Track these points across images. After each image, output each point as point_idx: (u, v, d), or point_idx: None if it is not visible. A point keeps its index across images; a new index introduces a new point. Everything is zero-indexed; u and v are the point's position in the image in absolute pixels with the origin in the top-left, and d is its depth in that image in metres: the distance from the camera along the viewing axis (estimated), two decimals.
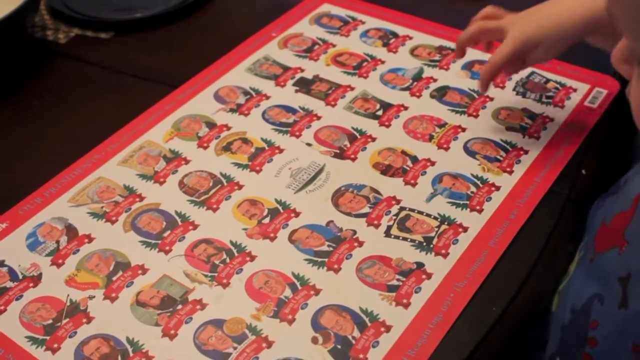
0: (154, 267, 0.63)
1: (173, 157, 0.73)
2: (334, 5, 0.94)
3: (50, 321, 0.60)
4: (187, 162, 0.73)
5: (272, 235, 0.65)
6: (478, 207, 0.67)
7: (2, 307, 0.61)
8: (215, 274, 0.62)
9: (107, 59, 0.88)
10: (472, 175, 0.69)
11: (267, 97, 0.80)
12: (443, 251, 0.63)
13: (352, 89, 0.81)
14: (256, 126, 0.76)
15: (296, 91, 0.81)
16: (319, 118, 0.77)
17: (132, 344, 0.58)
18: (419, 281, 0.61)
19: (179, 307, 0.60)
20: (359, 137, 0.74)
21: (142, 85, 0.84)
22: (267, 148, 0.74)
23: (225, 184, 0.70)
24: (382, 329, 0.58)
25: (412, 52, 0.85)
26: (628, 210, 0.55)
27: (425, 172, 0.70)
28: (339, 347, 0.56)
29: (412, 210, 0.66)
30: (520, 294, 0.61)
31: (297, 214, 0.67)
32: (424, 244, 0.64)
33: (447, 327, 0.57)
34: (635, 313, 0.51)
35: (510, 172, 0.70)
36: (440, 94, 0.79)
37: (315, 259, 0.63)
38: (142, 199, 0.69)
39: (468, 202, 0.67)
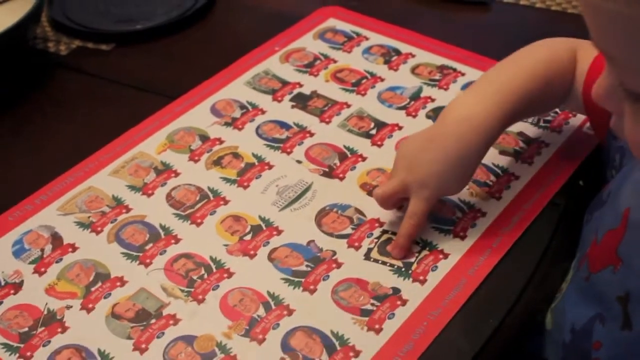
0: (132, 279, 0.64)
1: (164, 170, 0.74)
2: (340, 21, 0.93)
3: (26, 329, 0.61)
4: (176, 175, 0.73)
5: (252, 252, 0.65)
6: (462, 234, 0.66)
7: None
8: (192, 290, 0.63)
9: (107, 70, 0.89)
10: (459, 199, 0.69)
11: (263, 112, 0.80)
12: (421, 277, 0.62)
13: (349, 106, 0.80)
14: (249, 141, 0.77)
15: (292, 107, 0.81)
16: (312, 135, 0.77)
17: (103, 356, 0.58)
18: (394, 307, 0.60)
19: (153, 321, 0.60)
20: (349, 156, 0.74)
21: (143, 96, 0.84)
22: (257, 164, 0.74)
23: (212, 198, 0.71)
24: (351, 354, 0.57)
25: (413, 70, 0.85)
26: (618, 228, 0.54)
27: None
28: None
29: (394, 233, 0.66)
30: (517, 305, 0.61)
31: (279, 232, 0.67)
32: (403, 269, 0.63)
33: (416, 355, 0.57)
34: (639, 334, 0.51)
35: (499, 198, 0.69)
36: (437, 114, 0.78)
37: (292, 278, 0.63)
38: (128, 210, 0.70)
39: (452, 228, 0.66)
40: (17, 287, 0.64)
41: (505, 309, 0.60)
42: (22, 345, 0.59)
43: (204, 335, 0.59)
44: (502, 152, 0.73)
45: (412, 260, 0.64)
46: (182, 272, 0.64)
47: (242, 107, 0.81)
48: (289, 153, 0.75)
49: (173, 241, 0.67)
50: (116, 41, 0.93)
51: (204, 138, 0.77)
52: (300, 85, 0.84)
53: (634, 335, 0.52)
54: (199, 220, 0.69)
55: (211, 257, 0.65)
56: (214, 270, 0.64)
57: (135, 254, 0.66)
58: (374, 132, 0.77)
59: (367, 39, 0.90)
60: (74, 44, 0.93)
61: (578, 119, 0.76)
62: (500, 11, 0.96)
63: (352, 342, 0.58)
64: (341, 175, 0.72)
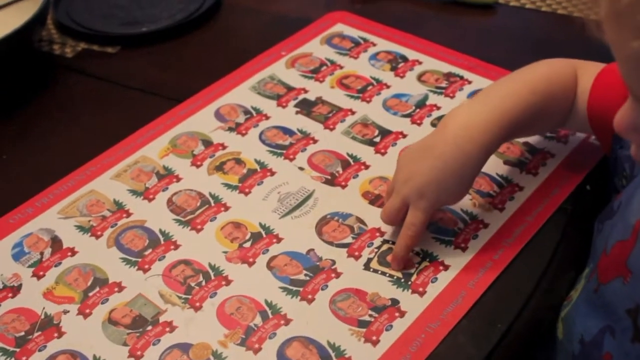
0: (130, 285, 0.64)
1: (166, 174, 0.74)
2: (348, 26, 0.93)
3: (22, 333, 0.60)
4: (178, 180, 0.73)
5: (251, 260, 0.65)
6: (463, 245, 0.65)
7: None
8: (189, 297, 0.62)
9: (113, 73, 0.89)
10: (461, 210, 0.68)
11: (267, 118, 0.80)
12: (420, 289, 0.62)
13: (353, 113, 0.80)
14: (251, 147, 0.76)
15: (297, 112, 0.80)
16: (315, 142, 0.76)
17: None
18: (392, 319, 0.60)
19: (149, 327, 0.60)
20: (352, 163, 0.73)
21: (148, 99, 0.84)
22: (259, 170, 0.73)
23: (213, 204, 0.70)
24: None
25: (420, 77, 0.84)
26: (629, 239, 0.53)
27: None
28: None
29: (395, 243, 0.65)
30: (525, 311, 0.60)
31: (279, 240, 0.66)
32: (402, 280, 0.62)
33: None
34: None
35: (502, 210, 0.68)
36: None
37: (290, 287, 0.62)
38: (129, 215, 0.70)
39: (453, 239, 0.65)
40: (16, 290, 0.64)
41: (513, 314, 0.60)
42: (17, 350, 0.59)
43: (200, 343, 0.59)
44: (507, 162, 0.72)
45: (412, 271, 0.63)
46: (181, 279, 0.64)
47: (247, 112, 0.81)
48: (291, 160, 0.74)
49: (172, 247, 0.67)
50: (122, 44, 0.93)
51: (207, 143, 0.77)
52: (306, 91, 0.83)
53: None
54: (199, 227, 0.68)
55: (210, 264, 0.65)
56: (212, 277, 0.64)
57: (134, 259, 0.66)
58: (378, 139, 0.76)
59: (374, 44, 0.90)
60: (80, 46, 0.93)
61: None
62: (506, 15, 0.96)
63: (349, 354, 0.57)
64: (343, 184, 0.72)
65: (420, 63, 0.86)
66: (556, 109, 0.66)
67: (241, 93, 0.83)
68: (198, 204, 0.70)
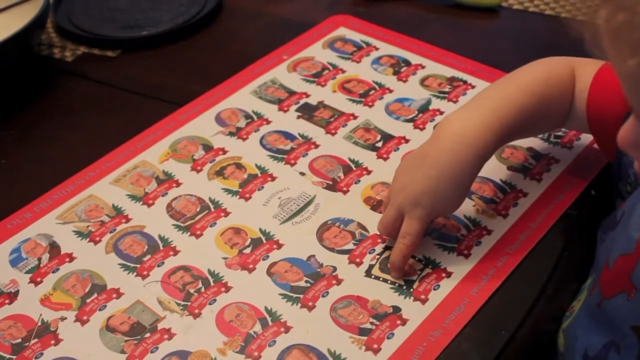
0: (129, 291, 0.63)
1: (165, 179, 0.73)
2: (350, 29, 0.92)
3: (19, 340, 0.60)
4: (178, 185, 0.72)
5: (251, 266, 0.64)
6: (465, 252, 0.64)
7: None
8: (188, 303, 0.61)
9: (113, 76, 0.88)
10: (464, 216, 0.67)
11: (268, 122, 0.79)
12: (422, 296, 0.61)
13: (355, 117, 0.79)
14: (252, 151, 0.75)
15: (298, 117, 0.79)
16: (316, 146, 0.76)
17: None
18: (393, 326, 0.59)
19: (147, 335, 0.59)
20: (354, 168, 0.73)
21: (149, 103, 0.84)
22: (259, 175, 0.73)
23: (212, 209, 0.69)
24: None
25: (423, 82, 0.83)
26: (632, 253, 0.52)
27: None
28: None
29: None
30: (529, 317, 0.59)
31: (280, 246, 0.66)
32: (404, 287, 0.62)
33: None
34: None
35: (505, 216, 0.67)
36: None
37: (291, 294, 0.62)
38: (128, 220, 0.69)
39: (456, 246, 0.64)
40: (12, 296, 0.63)
41: (516, 322, 0.59)
42: (14, 357, 0.58)
43: (199, 351, 0.58)
44: (510, 168, 0.71)
45: (414, 278, 0.62)
46: (179, 285, 0.63)
47: (248, 116, 0.80)
48: (292, 165, 0.74)
49: (171, 253, 0.66)
50: (122, 47, 0.92)
51: (208, 148, 0.76)
52: (307, 95, 0.82)
53: None
54: (198, 232, 0.67)
55: (209, 270, 0.64)
56: (212, 283, 0.63)
57: (132, 265, 0.65)
58: (380, 144, 0.75)
59: (376, 48, 0.89)
60: (80, 50, 0.93)
61: (589, 135, 0.74)
62: (509, 18, 0.95)
63: None
64: (345, 189, 0.71)
65: (423, 67, 0.85)
66: (553, 110, 0.65)
67: (242, 97, 0.83)
68: (198, 209, 0.70)
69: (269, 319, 0.60)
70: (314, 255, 0.65)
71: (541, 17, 0.94)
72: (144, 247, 0.66)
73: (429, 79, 0.83)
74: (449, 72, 0.84)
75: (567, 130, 0.75)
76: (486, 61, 0.85)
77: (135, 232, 0.68)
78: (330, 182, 0.71)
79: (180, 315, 0.61)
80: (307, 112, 0.80)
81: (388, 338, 0.58)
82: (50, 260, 0.66)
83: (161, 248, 0.66)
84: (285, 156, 0.75)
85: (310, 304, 0.61)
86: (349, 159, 0.74)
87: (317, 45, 0.90)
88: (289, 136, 0.77)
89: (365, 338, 0.58)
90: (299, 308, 0.61)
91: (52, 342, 0.59)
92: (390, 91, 0.82)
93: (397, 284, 0.62)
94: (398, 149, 0.75)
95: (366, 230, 0.67)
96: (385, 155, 0.74)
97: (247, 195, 0.71)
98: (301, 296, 0.61)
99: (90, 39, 0.93)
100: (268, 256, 0.65)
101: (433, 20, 0.95)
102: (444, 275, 0.62)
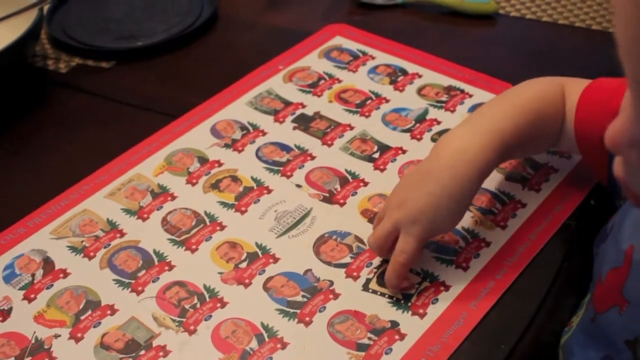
0: (123, 308, 0.62)
1: (160, 192, 0.72)
2: (346, 39, 0.92)
3: (12, 359, 0.59)
4: (173, 198, 0.72)
5: (247, 281, 0.63)
6: (464, 264, 0.63)
7: None
8: (184, 319, 0.61)
9: (108, 88, 0.87)
10: (462, 228, 0.66)
11: (264, 134, 0.78)
12: (420, 311, 0.60)
13: (352, 128, 0.78)
14: (248, 164, 0.75)
15: (294, 128, 0.79)
16: (313, 158, 0.75)
17: None
18: (391, 342, 0.58)
19: (142, 352, 0.58)
20: (350, 180, 0.72)
21: (144, 115, 0.83)
22: (255, 188, 0.72)
23: (208, 223, 0.69)
24: None
25: (420, 91, 0.82)
26: (622, 267, 0.52)
27: None
28: None
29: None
30: (529, 331, 0.59)
31: (276, 260, 0.65)
32: (402, 301, 0.61)
33: None
34: None
35: (504, 227, 0.66)
36: None
37: (287, 309, 0.61)
38: (122, 235, 0.68)
39: (454, 258, 0.64)
40: (6, 314, 0.62)
41: (516, 335, 0.58)
42: None
43: None
44: (508, 178, 0.71)
45: (412, 292, 0.61)
46: (175, 301, 0.62)
47: (243, 128, 0.79)
48: (288, 177, 0.73)
49: (167, 268, 0.65)
50: (117, 58, 0.91)
51: (203, 160, 0.75)
52: (303, 106, 0.82)
53: None
54: (193, 247, 0.67)
55: (205, 286, 0.63)
56: (207, 299, 0.62)
57: (127, 281, 0.64)
58: (376, 155, 0.75)
59: (373, 58, 0.88)
60: (74, 61, 0.92)
61: None
62: (506, 25, 0.94)
63: None
64: (342, 201, 0.70)
65: (420, 76, 0.85)
66: (549, 128, 0.65)
67: (238, 108, 0.82)
68: (193, 223, 0.69)
69: (265, 335, 0.59)
70: (310, 270, 0.64)
71: (538, 23, 0.94)
72: (138, 262, 0.66)
73: (426, 88, 0.83)
74: (446, 80, 0.83)
75: None
76: (483, 69, 0.85)
77: (130, 247, 0.67)
78: (327, 195, 0.71)
79: (176, 332, 0.60)
80: (303, 122, 0.79)
81: (386, 354, 0.57)
82: (44, 277, 0.65)
83: (156, 263, 0.65)
84: (281, 168, 0.74)
85: (307, 319, 0.60)
86: (346, 171, 0.73)
87: (313, 55, 0.89)
88: (285, 148, 0.76)
89: (363, 354, 0.57)
90: (295, 323, 0.60)
91: None
92: (387, 101, 0.82)
93: (394, 298, 0.61)
94: (395, 159, 0.74)
95: (363, 243, 0.66)
96: (382, 167, 0.73)
97: (243, 209, 0.70)
98: (298, 311, 0.61)
99: (84, 50, 0.92)
100: (264, 270, 0.64)
101: (429, 28, 0.94)
102: (442, 289, 0.62)
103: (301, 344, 0.58)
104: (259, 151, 0.76)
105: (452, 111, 0.79)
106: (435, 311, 0.60)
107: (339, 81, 0.85)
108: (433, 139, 0.76)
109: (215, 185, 0.73)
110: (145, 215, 0.70)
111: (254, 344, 0.58)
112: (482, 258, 0.64)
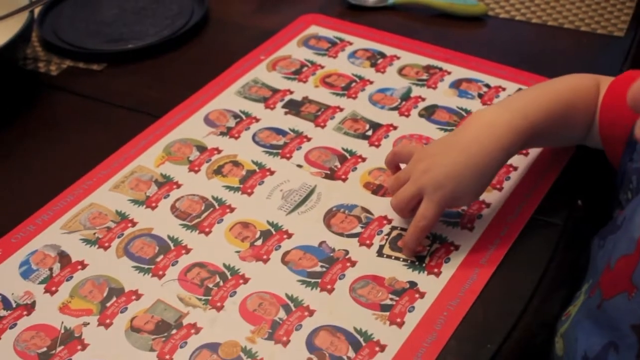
0: (147, 292, 0.63)
1: (164, 182, 0.74)
2: (322, 27, 0.95)
3: (44, 349, 0.59)
4: (178, 186, 0.73)
5: (265, 257, 0.65)
6: (469, 225, 0.67)
7: None
8: (209, 298, 0.62)
9: (99, 90, 0.87)
10: None
11: (257, 120, 0.81)
12: (435, 270, 0.63)
13: (341, 109, 0.81)
14: (247, 149, 0.77)
15: (286, 113, 0.81)
16: (309, 139, 0.78)
17: None
18: (412, 300, 0.61)
19: (174, 331, 0.60)
20: (349, 157, 0.75)
21: (135, 116, 0.83)
22: (257, 170, 0.74)
23: (217, 207, 0.71)
24: (377, 349, 0.58)
25: (400, 71, 0.86)
26: (633, 254, 0.53)
27: None
28: None
29: (404, 229, 0.67)
30: (515, 330, 0.60)
31: (290, 236, 0.67)
32: (416, 263, 0.64)
33: (441, 345, 0.58)
34: None
35: (500, 189, 0.70)
36: (429, 113, 0.80)
37: (309, 279, 0.63)
38: (134, 224, 0.69)
39: (459, 220, 0.68)
40: (30, 308, 0.63)
41: (503, 334, 0.59)
42: None
43: (228, 341, 0.59)
44: None
45: (425, 254, 0.65)
46: (197, 282, 0.64)
47: (236, 116, 0.81)
48: (288, 158, 0.75)
49: (184, 251, 0.67)
50: (108, 61, 0.92)
51: (202, 148, 0.77)
52: (291, 92, 0.84)
53: None
54: (207, 229, 0.68)
55: (224, 264, 0.65)
56: (229, 277, 0.64)
57: (146, 266, 0.65)
58: (369, 133, 0.78)
59: (350, 43, 0.91)
60: (65, 64, 0.92)
61: None
62: (496, 27, 0.95)
63: (377, 337, 0.58)
64: (343, 177, 0.73)
65: (398, 58, 0.88)
66: (577, 119, 0.68)
67: (227, 98, 0.84)
68: (202, 208, 0.71)
69: (291, 305, 0.61)
70: (324, 241, 0.67)
71: (528, 25, 0.94)
72: (155, 248, 0.67)
73: (405, 68, 0.87)
74: (424, 60, 0.87)
75: None
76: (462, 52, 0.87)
77: (144, 234, 0.68)
78: (328, 172, 0.74)
79: (204, 310, 0.62)
80: (294, 107, 0.82)
81: (409, 311, 0.60)
82: (62, 269, 0.66)
83: (172, 248, 0.67)
84: (280, 151, 0.76)
85: (329, 287, 0.63)
86: (343, 149, 0.76)
87: (292, 44, 0.92)
88: (280, 132, 0.79)
89: (387, 314, 0.60)
90: (319, 292, 0.62)
91: (79, 347, 0.59)
92: (371, 82, 0.85)
93: (409, 261, 0.64)
94: (388, 135, 0.77)
95: (370, 213, 0.69)
96: (377, 143, 0.77)
97: (249, 191, 0.72)
98: (319, 280, 0.63)
99: (75, 53, 0.92)
100: (280, 246, 0.66)
101: (420, 30, 0.94)
102: (452, 248, 0.65)
103: (327, 309, 0.61)
104: (255, 136, 0.78)
105: (434, 88, 0.83)
106: (449, 269, 0.63)
107: (322, 67, 0.88)
108: (421, 115, 0.79)
109: (218, 171, 0.74)
110: (154, 204, 0.71)
111: (281, 314, 0.61)
112: (484, 218, 0.68)
